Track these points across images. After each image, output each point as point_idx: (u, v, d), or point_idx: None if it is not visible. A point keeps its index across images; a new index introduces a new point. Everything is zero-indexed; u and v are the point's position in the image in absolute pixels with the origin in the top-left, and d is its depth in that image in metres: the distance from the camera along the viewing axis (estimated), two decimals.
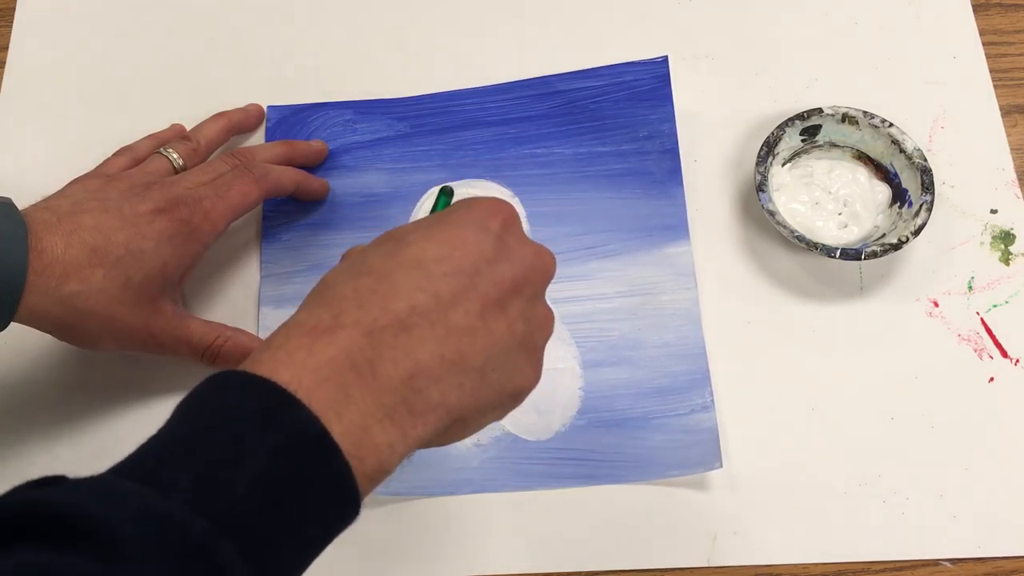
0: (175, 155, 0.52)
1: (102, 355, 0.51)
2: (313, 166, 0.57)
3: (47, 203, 0.46)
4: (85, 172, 0.51)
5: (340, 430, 0.30)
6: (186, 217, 0.47)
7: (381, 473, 0.31)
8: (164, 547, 0.26)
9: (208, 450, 0.29)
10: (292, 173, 0.54)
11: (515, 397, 0.37)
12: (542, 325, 0.37)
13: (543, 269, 0.37)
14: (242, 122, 0.58)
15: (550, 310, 0.38)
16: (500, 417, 0.37)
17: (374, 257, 0.34)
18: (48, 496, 0.27)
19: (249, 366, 0.31)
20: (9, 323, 0.43)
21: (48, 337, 0.46)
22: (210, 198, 0.48)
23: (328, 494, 0.30)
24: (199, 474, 0.28)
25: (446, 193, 0.42)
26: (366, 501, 0.50)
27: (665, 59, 0.58)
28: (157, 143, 0.54)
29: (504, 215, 0.37)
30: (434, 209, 0.41)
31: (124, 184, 0.48)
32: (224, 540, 0.27)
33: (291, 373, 0.30)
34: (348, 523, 0.31)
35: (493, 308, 0.34)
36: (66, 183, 0.49)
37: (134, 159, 0.52)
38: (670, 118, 0.57)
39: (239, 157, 0.52)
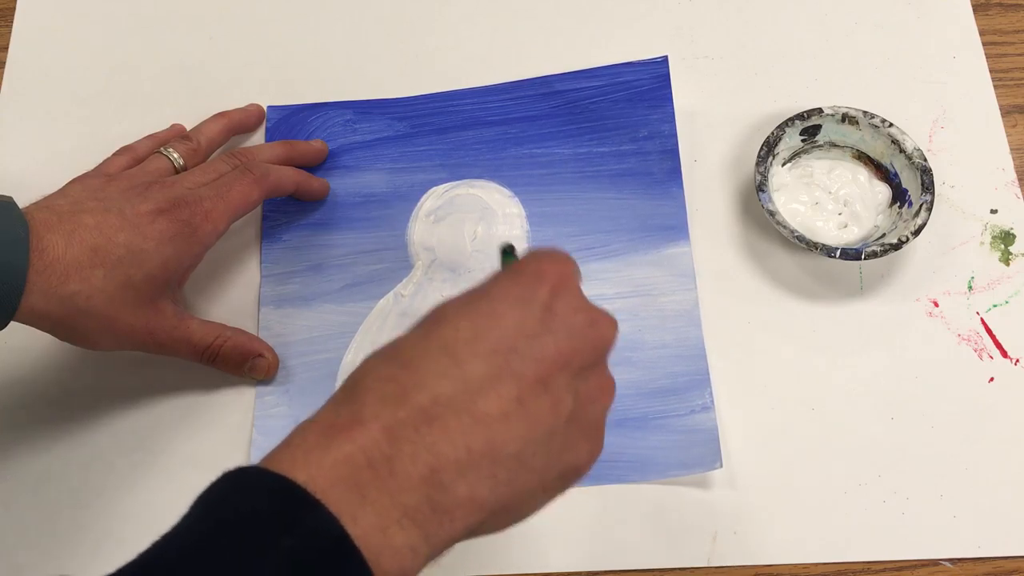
0: (175, 154, 0.52)
1: (102, 355, 0.51)
2: (313, 166, 0.57)
3: (47, 202, 0.46)
4: (85, 172, 0.51)
5: (357, 532, 0.28)
6: (187, 218, 0.47)
7: None
8: None
9: (226, 552, 0.28)
10: (293, 173, 0.54)
11: (567, 477, 0.34)
12: (597, 398, 0.34)
13: (598, 339, 0.34)
14: (243, 122, 0.58)
15: (608, 379, 0.35)
16: (553, 498, 0.34)
17: (408, 338, 0.33)
18: None
19: (267, 463, 0.30)
20: (9, 322, 0.43)
21: (47, 337, 0.46)
22: (211, 198, 0.48)
23: None
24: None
25: (506, 252, 0.39)
26: None
27: (665, 59, 0.58)
28: (157, 143, 0.54)
29: (556, 278, 0.34)
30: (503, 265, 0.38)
31: (124, 183, 0.48)
32: None
33: (307, 473, 0.29)
34: None
35: (533, 388, 0.31)
36: (66, 183, 0.49)
37: (134, 159, 0.52)
38: (670, 118, 0.57)
39: (239, 157, 0.52)
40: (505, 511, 0.32)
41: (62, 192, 0.48)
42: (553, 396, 0.32)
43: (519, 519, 0.33)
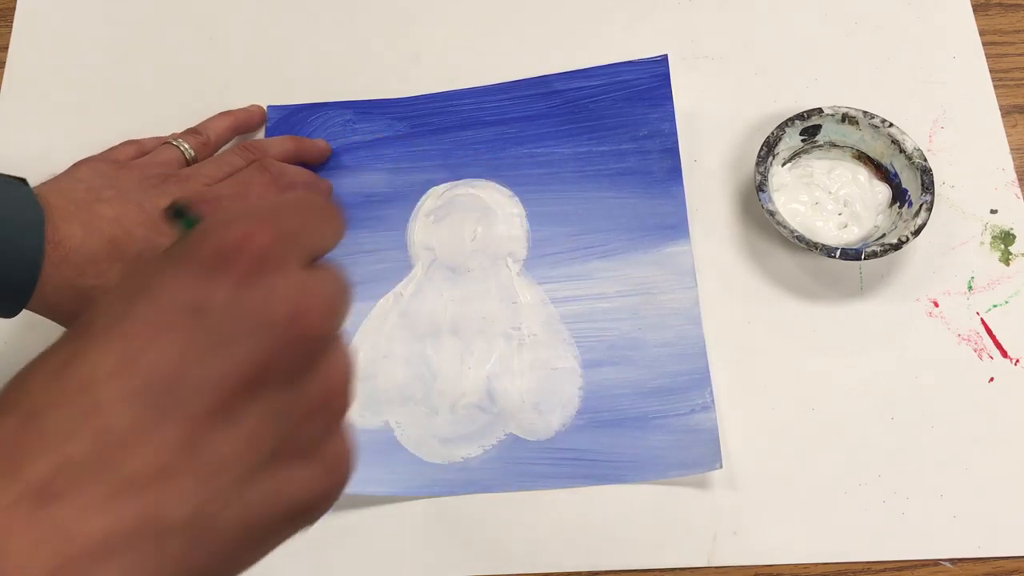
0: (186, 145, 0.51)
1: None
2: (317, 165, 0.57)
3: (61, 185, 0.45)
4: (90, 155, 0.50)
5: None
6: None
7: None
8: None
9: None
10: (304, 174, 0.54)
11: (291, 518, 0.26)
12: (316, 410, 0.25)
13: (300, 336, 0.24)
14: (246, 121, 0.58)
15: (335, 376, 0.26)
16: (276, 543, 0.26)
17: (42, 372, 0.24)
18: None
19: None
20: (21, 310, 0.43)
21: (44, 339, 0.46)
22: (230, 198, 0.48)
23: None
24: None
25: (178, 212, 0.27)
26: (367, 500, 0.50)
27: (664, 58, 0.58)
28: (162, 140, 0.53)
29: (244, 260, 0.24)
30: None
31: (138, 173, 0.47)
32: None
33: None
34: None
35: (210, 424, 0.23)
36: (73, 164, 0.48)
37: (141, 151, 0.51)
38: (670, 117, 0.57)
39: (253, 151, 0.51)
40: None
41: (73, 176, 0.47)
42: (243, 429, 0.24)
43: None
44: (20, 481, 0.22)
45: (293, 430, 0.25)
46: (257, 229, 0.24)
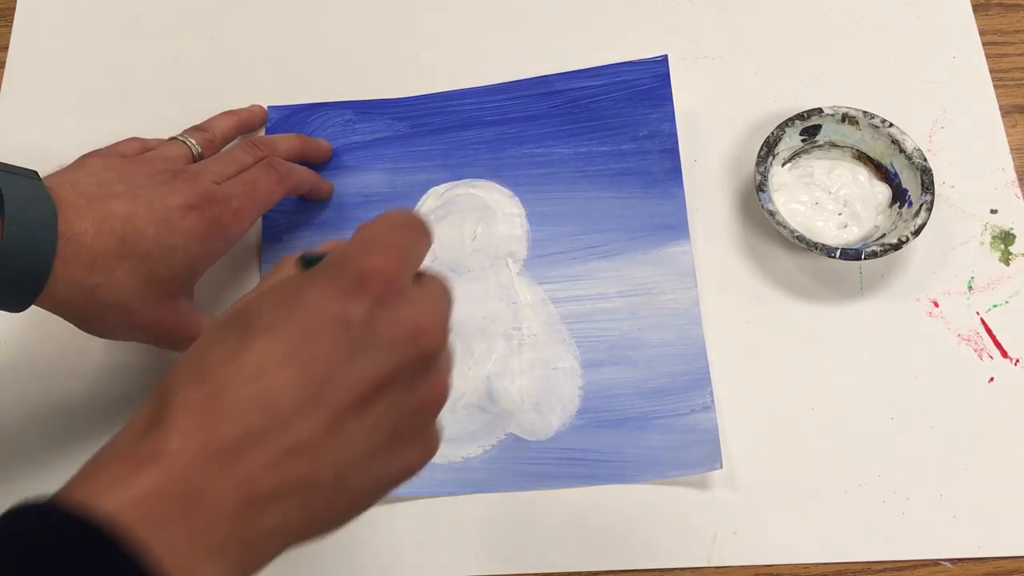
0: (192, 141, 0.51)
1: (105, 356, 0.51)
2: (320, 164, 0.57)
3: (71, 178, 0.45)
4: (96, 148, 0.50)
5: (162, 572, 0.26)
6: (216, 216, 0.47)
7: None
8: None
9: None
10: (310, 175, 0.54)
11: (394, 483, 0.33)
12: (423, 407, 0.33)
13: (424, 348, 0.31)
14: (249, 121, 0.58)
15: (438, 383, 0.33)
16: (380, 498, 0.33)
17: (216, 355, 0.30)
18: None
19: (66, 494, 0.28)
20: (30, 306, 0.42)
21: (48, 338, 0.46)
22: (239, 197, 0.48)
23: None
24: None
25: (309, 262, 0.33)
26: None
27: (665, 58, 0.58)
28: (167, 138, 0.53)
29: (381, 285, 0.31)
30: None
31: (147, 168, 0.47)
32: None
33: (108, 509, 0.27)
34: None
35: (349, 413, 0.30)
36: (81, 156, 0.48)
37: (144, 148, 0.51)
38: (670, 117, 0.57)
39: (261, 149, 0.51)
40: (325, 527, 0.32)
41: (83, 168, 0.46)
42: (373, 416, 0.31)
43: (343, 526, 0.32)
44: (214, 441, 0.28)
45: (404, 421, 0.32)
46: (386, 259, 0.31)
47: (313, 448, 0.29)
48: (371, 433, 0.31)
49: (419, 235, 0.34)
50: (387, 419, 0.31)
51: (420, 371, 0.32)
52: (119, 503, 0.27)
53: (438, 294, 0.34)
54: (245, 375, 0.29)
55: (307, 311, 0.30)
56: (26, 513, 0.27)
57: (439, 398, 0.33)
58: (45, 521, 0.27)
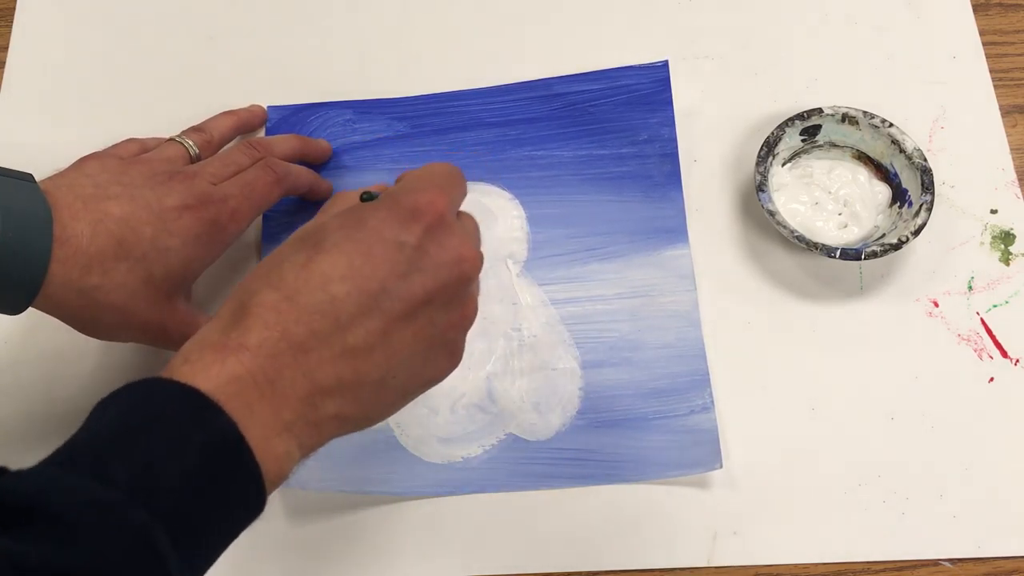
0: (190, 142, 0.51)
1: (106, 357, 0.51)
2: (319, 164, 0.57)
3: (68, 180, 0.45)
4: (94, 151, 0.50)
5: (246, 441, 0.32)
6: (213, 217, 0.47)
7: (279, 478, 0.34)
8: (109, 534, 0.29)
9: (143, 447, 0.31)
10: (308, 174, 0.54)
11: (426, 386, 0.39)
12: (457, 324, 0.38)
13: (462, 275, 0.37)
14: (248, 121, 0.58)
15: (470, 304, 0.39)
16: (413, 398, 0.38)
17: (289, 266, 0.35)
18: None
19: (168, 375, 0.33)
20: (26, 308, 0.43)
21: (47, 339, 0.46)
22: (236, 197, 0.48)
23: (242, 492, 0.32)
24: (135, 469, 0.30)
25: (367, 199, 0.39)
26: (368, 500, 0.50)
27: (665, 63, 0.58)
28: (163, 140, 0.53)
29: (429, 218, 0.36)
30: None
31: (145, 169, 0.47)
32: (158, 527, 0.29)
33: (206, 386, 0.32)
34: (252, 521, 0.33)
35: (397, 323, 0.35)
36: (79, 159, 0.48)
37: (143, 149, 0.51)
38: (670, 122, 0.57)
39: (258, 149, 0.51)
40: (368, 420, 0.37)
41: (80, 170, 0.46)
42: (416, 327, 0.36)
43: (382, 420, 0.38)
44: (287, 338, 0.34)
45: (440, 334, 0.37)
46: (436, 196, 0.37)
47: (366, 350, 0.35)
48: (413, 342, 0.36)
49: (460, 181, 0.40)
50: (427, 331, 0.36)
51: (457, 292, 0.37)
52: (213, 383, 0.32)
53: (473, 230, 0.40)
54: (313, 284, 0.34)
55: (368, 234, 0.35)
56: (142, 386, 0.32)
57: (470, 317, 0.39)
58: (162, 389, 0.32)
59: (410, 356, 0.36)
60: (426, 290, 0.36)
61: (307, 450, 0.35)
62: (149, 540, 0.29)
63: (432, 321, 0.36)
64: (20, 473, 0.30)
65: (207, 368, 0.33)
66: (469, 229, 0.40)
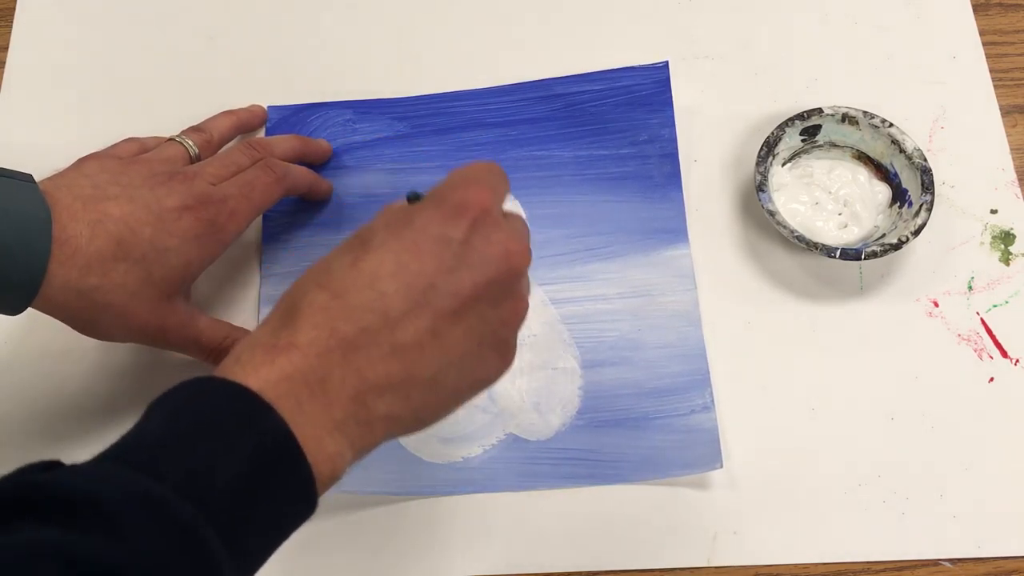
0: (190, 142, 0.51)
1: (106, 357, 0.51)
2: (319, 165, 0.57)
3: (67, 181, 0.45)
4: (94, 151, 0.50)
5: (296, 440, 0.32)
6: (212, 217, 0.47)
7: (332, 478, 0.34)
8: (159, 530, 0.29)
9: (195, 446, 0.31)
10: (307, 174, 0.54)
11: (478, 387, 0.38)
12: (508, 321, 0.37)
13: (511, 270, 0.37)
14: (248, 121, 0.58)
15: (520, 301, 0.38)
16: (465, 402, 0.38)
17: (337, 266, 0.35)
18: (49, 478, 0.29)
19: (220, 375, 0.33)
20: (25, 308, 0.43)
21: (47, 340, 0.46)
22: (235, 198, 0.48)
23: (293, 493, 0.32)
24: (189, 467, 0.30)
25: (413, 200, 0.39)
26: (367, 500, 0.50)
27: (665, 64, 0.58)
28: (165, 139, 0.53)
29: (474, 213, 0.36)
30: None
31: (145, 170, 0.47)
32: (209, 527, 0.29)
33: (256, 386, 0.32)
34: (304, 521, 0.33)
35: (447, 320, 0.35)
36: (79, 159, 0.48)
37: (143, 149, 0.51)
38: (670, 123, 0.57)
39: (258, 150, 0.51)
40: (420, 421, 0.36)
41: (80, 170, 0.46)
42: (466, 325, 0.35)
43: (434, 423, 0.37)
44: (336, 337, 0.34)
45: (491, 332, 0.37)
46: (481, 192, 0.37)
47: (416, 347, 0.34)
48: (463, 340, 0.35)
49: (503, 178, 0.40)
50: (477, 329, 0.36)
51: (507, 288, 0.37)
52: (264, 382, 0.32)
53: (520, 226, 0.39)
54: (362, 283, 0.34)
55: (414, 231, 0.35)
56: (194, 385, 0.33)
57: (521, 313, 0.38)
58: (213, 389, 0.32)
59: (461, 355, 0.36)
60: (475, 285, 0.35)
61: (359, 451, 0.34)
62: (198, 537, 0.29)
63: (482, 318, 0.36)
64: (73, 467, 0.31)
65: (257, 368, 0.33)
66: (518, 224, 0.39)
